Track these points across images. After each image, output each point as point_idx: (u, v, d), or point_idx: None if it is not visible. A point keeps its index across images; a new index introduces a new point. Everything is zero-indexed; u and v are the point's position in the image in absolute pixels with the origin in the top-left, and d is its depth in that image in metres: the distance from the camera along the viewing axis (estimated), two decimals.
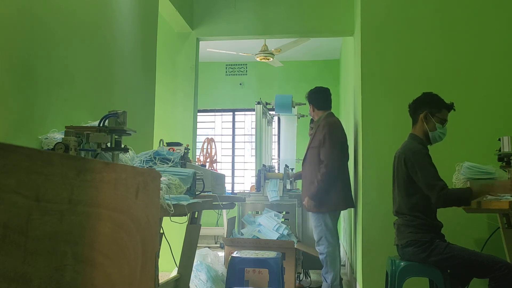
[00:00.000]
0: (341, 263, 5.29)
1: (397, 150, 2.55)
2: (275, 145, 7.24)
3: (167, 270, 3.56)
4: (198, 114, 5.29)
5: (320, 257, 3.53)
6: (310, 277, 4.20)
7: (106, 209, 0.78)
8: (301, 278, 4.16)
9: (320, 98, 3.71)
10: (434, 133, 2.48)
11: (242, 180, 7.83)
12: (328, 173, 3.43)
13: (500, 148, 2.46)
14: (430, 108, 2.48)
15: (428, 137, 2.50)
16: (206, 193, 2.46)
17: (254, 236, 3.74)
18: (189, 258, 2.82)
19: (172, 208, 1.60)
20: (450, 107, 2.49)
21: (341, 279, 3.61)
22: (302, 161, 3.78)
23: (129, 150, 1.93)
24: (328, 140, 3.48)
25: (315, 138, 3.59)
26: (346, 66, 5.67)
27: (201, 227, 2.94)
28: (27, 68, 1.95)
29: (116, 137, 1.79)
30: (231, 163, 7.91)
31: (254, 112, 5.07)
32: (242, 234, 3.90)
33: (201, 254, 3.56)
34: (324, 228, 3.49)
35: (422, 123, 2.50)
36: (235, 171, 7.91)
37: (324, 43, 6.79)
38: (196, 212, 2.81)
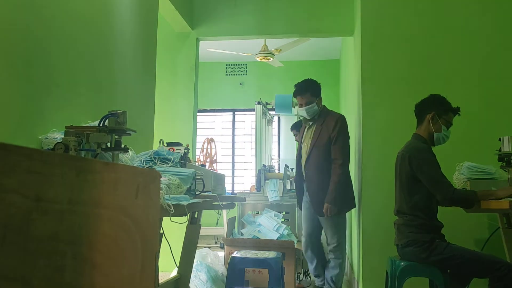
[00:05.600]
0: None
1: (400, 150, 2.55)
2: (275, 145, 7.23)
3: (167, 270, 3.56)
4: (198, 114, 5.28)
5: (335, 262, 3.26)
6: (310, 277, 4.20)
7: (106, 209, 0.78)
8: (301, 278, 4.16)
9: (318, 85, 3.39)
10: (438, 135, 2.49)
11: (242, 180, 7.83)
12: (344, 173, 3.22)
13: (500, 148, 2.47)
14: (438, 109, 2.49)
15: (432, 138, 2.51)
16: (206, 193, 2.46)
17: (254, 236, 3.74)
18: (189, 258, 2.81)
19: (172, 208, 1.60)
20: (456, 111, 2.51)
21: None
22: (302, 162, 3.40)
23: (129, 150, 1.93)
24: (342, 137, 3.23)
25: (322, 135, 3.26)
26: (346, 66, 5.67)
27: (201, 227, 2.93)
28: (27, 68, 1.95)
29: (116, 137, 1.79)
30: (231, 163, 7.91)
31: (254, 112, 5.07)
32: (242, 234, 3.90)
33: (201, 254, 3.56)
34: (343, 232, 3.30)
35: (428, 124, 2.50)
36: (235, 171, 7.90)
37: (324, 43, 6.79)
38: (196, 212, 2.81)
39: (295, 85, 3.41)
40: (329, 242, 3.29)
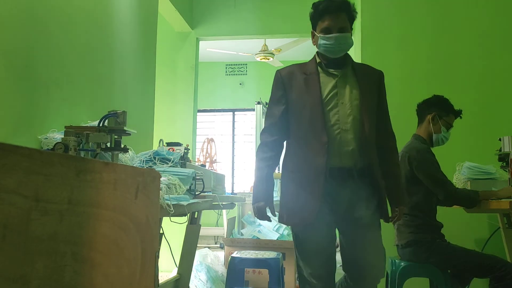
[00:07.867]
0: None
1: (400, 150, 2.55)
2: None
3: (167, 270, 3.56)
4: (198, 114, 5.28)
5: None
6: None
7: (105, 209, 0.78)
8: None
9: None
10: (438, 136, 2.49)
11: (242, 180, 7.82)
12: None
13: (501, 148, 2.46)
14: (439, 110, 2.49)
15: (432, 139, 2.51)
16: (206, 193, 2.46)
17: (254, 236, 3.73)
18: (189, 258, 2.81)
19: (172, 208, 1.60)
20: (458, 113, 2.51)
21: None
22: (349, 121, 1.86)
23: (129, 150, 1.93)
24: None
25: (372, 92, 1.96)
26: None
27: (201, 227, 2.93)
28: (27, 68, 1.94)
29: (115, 137, 1.79)
30: (231, 163, 7.91)
31: (254, 112, 5.07)
32: (242, 234, 3.90)
33: (201, 254, 3.56)
34: None
35: (428, 124, 2.50)
36: (235, 171, 7.90)
37: None
38: (196, 212, 2.81)
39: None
40: (369, 273, 1.87)
